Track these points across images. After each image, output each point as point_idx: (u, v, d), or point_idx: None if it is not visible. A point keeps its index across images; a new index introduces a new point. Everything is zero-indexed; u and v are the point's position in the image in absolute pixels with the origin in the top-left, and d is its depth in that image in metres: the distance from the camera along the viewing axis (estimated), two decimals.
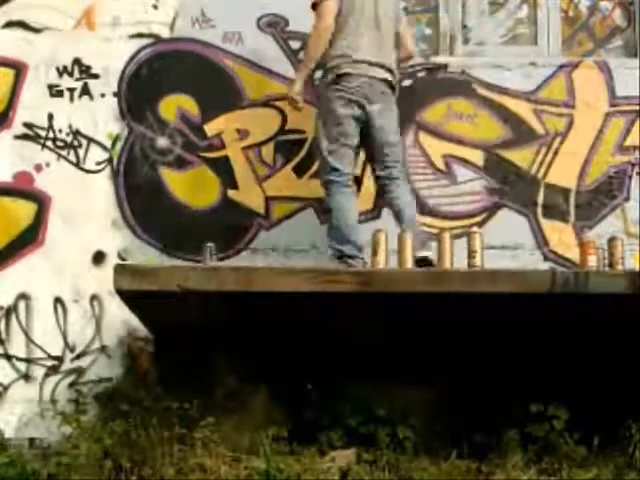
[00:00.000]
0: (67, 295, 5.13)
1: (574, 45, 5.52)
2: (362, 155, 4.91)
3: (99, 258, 5.16)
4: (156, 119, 5.23)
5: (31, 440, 4.97)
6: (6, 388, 5.06)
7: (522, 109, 5.29)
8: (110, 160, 5.25)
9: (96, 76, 5.30)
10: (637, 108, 5.26)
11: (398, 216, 4.71)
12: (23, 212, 5.22)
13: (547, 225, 5.20)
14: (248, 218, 5.20)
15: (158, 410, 4.41)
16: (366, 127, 4.70)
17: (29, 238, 5.18)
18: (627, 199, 5.22)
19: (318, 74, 4.86)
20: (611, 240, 4.68)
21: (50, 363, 5.08)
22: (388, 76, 4.75)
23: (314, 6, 4.76)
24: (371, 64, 4.68)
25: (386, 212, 5.15)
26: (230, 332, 4.46)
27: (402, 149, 4.92)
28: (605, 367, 4.55)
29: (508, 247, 5.10)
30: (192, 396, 4.41)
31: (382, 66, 4.72)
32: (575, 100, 5.30)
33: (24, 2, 5.37)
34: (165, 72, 5.24)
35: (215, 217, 5.05)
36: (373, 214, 5.17)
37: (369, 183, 5.18)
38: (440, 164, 5.25)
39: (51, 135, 5.27)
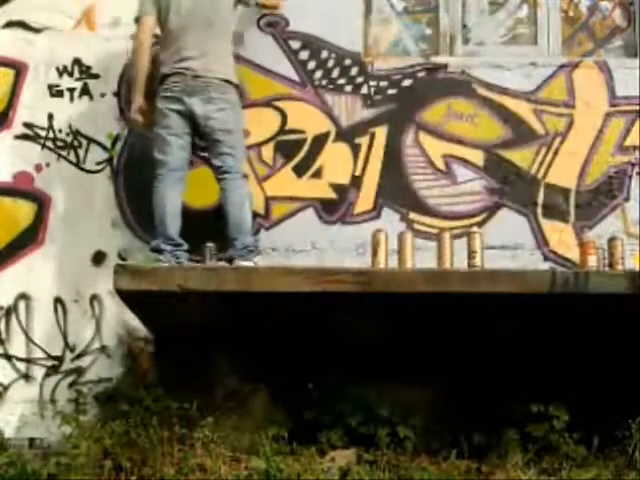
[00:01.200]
0: (67, 295, 5.13)
1: (574, 45, 5.52)
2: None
3: (99, 258, 5.16)
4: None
5: (31, 440, 4.98)
6: (6, 388, 5.06)
7: (522, 109, 5.28)
8: (110, 160, 5.26)
9: (96, 76, 5.31)
10: (637, 108, 5.26)
11: (226, 217, 4.66)
12: (23, 212, 5.22)
13: (547, 225, 5.20)
14: None
15: (158, 410, 4.41)
16: (193, 119, 4.71)
17: (29, 238, 5.19)
18: (627, 199, 5.22)
19: None
20: (611, 240, 4.68)
21: (50, 363, 5.08)
22: (204, 66, 4.71)
23: (137, 21, 4.92)
24: (188, 60, 4.71)
25: (386, 212, 5.17)
26: (230, 332, 4.46)
27: (241, 143, 4.83)
28: (605, 367, 4.55)
29: (508, 247, 5.10)
30: (192, 396, 4.41)
31: (198, 58, 4.72)
32: (575, 100, 5.29)
33: (24, 2, 5.38)
34: None
35: (215, 217, 5.04)
36: (373, 214, 5.17)
37: (369, 184, 5.20)
38: (440, 164, 5.25)
39: (51, 135, 5.27)
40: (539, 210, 5.21)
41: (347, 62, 5.32)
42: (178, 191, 4.72)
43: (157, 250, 4.61)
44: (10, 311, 5.13)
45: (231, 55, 4.87)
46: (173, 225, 4.64)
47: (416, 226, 5.12)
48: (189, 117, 4.71)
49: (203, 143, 4.85)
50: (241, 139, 4.84)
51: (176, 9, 4.79)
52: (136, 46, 4.88)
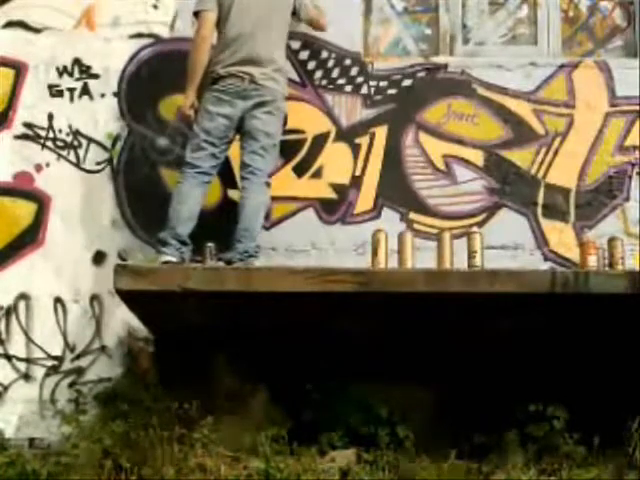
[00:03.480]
0: (67, 295, 5.13)
1: (574, 45, 5.52)
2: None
3: (99, 258, 5.16)
4: (156, 119, 5.23)
5: (31, 440, 4.97)
6: (6, 388, 5.06)
7: (522, 109, 5.28)
8: (110, 160, 5.25)
9: (96, 76, 5.31)
10: (637, 108, 5.26)
11: (237, 218, 4.64)
12: (23, 212, 5.22)
13: (547, 225, 5.20)
14: None
15: (158, 410, 4.41)
16: (239, 121, 4.70)
17: (29, 238, 5.19)
18: (627, 199, 5.22)
19: None
20: (611, 240, 4.68)
21: (50, 363, 5.08)
22: (262, 73, 4.72)
23: (196, 15, 4.84)
24: (249, 65, 4.71)
25: (386, 212, 5.17)
26: (230, 332, 4.46)
27: (275, 152, 4.82)
28: (605, 367, 4.56)
29: (508, 247, 5.10)
30: (192, 396, 4.41)
31: (257, 64, 4.72)
32: (575, 100, 5.30)
33: (24, 2, 5.38)
34: (165, 72, 5.24)
35: (215, 217, 5.04)
36: (373, 214, 5.17)
37: (369, 184, 5.20)
38: (440, 164, 5.25)
39: (51, 135, 5.27)
40: (539, 210, 5.21)
41: (347, 62, 5.32)
42: (200, 194, 4.69)
43: (163, 242, 4.57)
44: (10, 311, 5.12)
45: (286, 66, 4.90)
46: (186, 225, 4.61)
47: (416, 226, 5.12)
48: (236, 120, 4.69)
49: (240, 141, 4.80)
50: (276, 148, 4.82)
51: (238, 11, 4.75)
52: (198, 41, 4.78)
